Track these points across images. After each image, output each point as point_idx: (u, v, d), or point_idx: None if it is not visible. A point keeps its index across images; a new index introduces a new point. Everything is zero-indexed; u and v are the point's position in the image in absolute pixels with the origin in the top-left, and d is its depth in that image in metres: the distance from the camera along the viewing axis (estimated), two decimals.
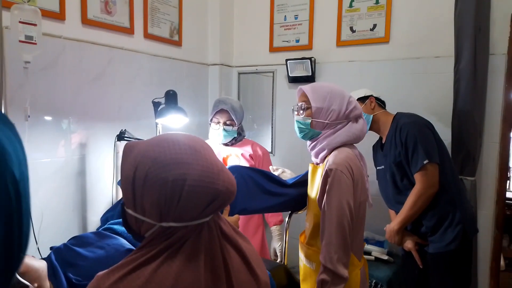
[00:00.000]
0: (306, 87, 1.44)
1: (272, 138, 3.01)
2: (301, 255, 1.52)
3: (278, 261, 2.04)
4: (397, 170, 1.91)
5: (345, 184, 1.30)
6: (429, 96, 2.38)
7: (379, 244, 2.48)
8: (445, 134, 2.21)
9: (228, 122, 2.03)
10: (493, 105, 2.18)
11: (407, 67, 2.45)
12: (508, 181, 3.96)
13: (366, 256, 2.36)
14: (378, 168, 2.10)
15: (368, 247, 2.46)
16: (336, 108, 1.39)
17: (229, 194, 0.78)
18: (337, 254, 1.27)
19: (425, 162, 1.77)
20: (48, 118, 1.90)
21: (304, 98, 1.44)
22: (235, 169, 1.56)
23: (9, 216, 0.49)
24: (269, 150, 2.96)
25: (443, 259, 1.86)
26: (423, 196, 1.82)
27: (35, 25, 1.50)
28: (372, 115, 2.02)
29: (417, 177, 1.82)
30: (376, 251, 2.41)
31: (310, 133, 1.44)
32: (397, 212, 1.99)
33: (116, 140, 2.04)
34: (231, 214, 1.46)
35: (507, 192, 2.52)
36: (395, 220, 1.94)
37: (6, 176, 0.48)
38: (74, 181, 2.02)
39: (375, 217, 2.58)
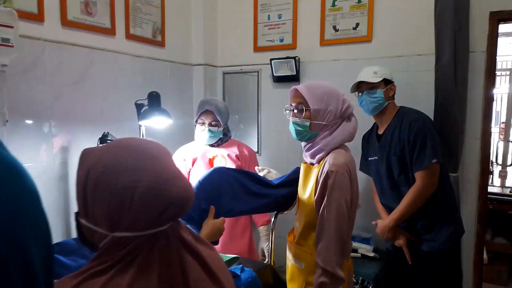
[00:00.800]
0: (302, 88, 1.41)
1: (258, 138, 3.00)
2: (289, 255, 1.52)
3: (266, 261, 2.04)
4: (396, 164, 1.89)
5: (346, 187, 1.31)
6: (411, 94, 2.40)
7: (365, 241, 2.50)
8: None
9: (213, 123, 2.02)
10: (474, 101, 2.22)
11: (390, 66, 2.45)
12: (490, 176, 4.05)
13: (352, 254, 2.40)
14: (370, 159, 2.08)
15: (354, 244, 2.48)
16: (333, 108, 1.38)
17: (184, 201, 0.74)
18: (335, 256, 1.28)
19: (433, 161, 1.77)
20: (28, 122, 1.86)
21: (299, 99, 1.41)
22: (220, 171, 1.55)
23: None
24: (256, 150, 2.96)
25: (436, 258, 1.88)
26: (423, 194, 1.82)
27: (11, 27, 1.47)
28: (386, 103, 1.99)
29: (420, 174, 1.81)
30: (363, 248, 2.43)
31: (308, 135, 1.42)
32: (389, 205, 1.99)
33: (98, 143, 2.01)
34: (216, 216, 1.46)
35: (489, 187, 2.58)
36: (391, 217, 1.93)
37: None
38: (56, 185, 1.98)
39: (360, 214, 2.59)
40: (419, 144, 1.80)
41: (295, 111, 1.43)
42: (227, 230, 2.06)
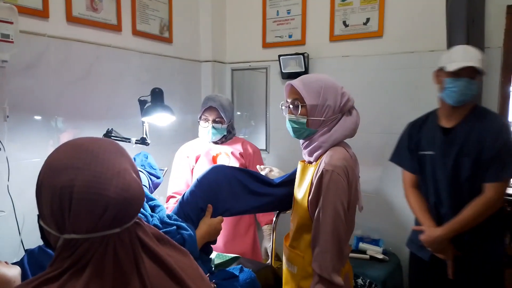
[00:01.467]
0: (296, 82, 1.34)
1: (266, 135, 2.96)
2: (284, 258, 1.47)
3: (268, 261, 2.00)
4: (469, 167, 1.66)
5: (342, 187, 1.23)
6: (424, 91, 2.32)
7: (375, 242, 2.44)
8: None
9: (217, 120, 1.99)
10: (489, 99, 2.13)
11: (401, 62, 2.40)
12: None
13: (360, 255, 2.34)
14: (422, 152, 1.81)
15: (363, 245, 2.42)
16: (331, 103, 1.30)
17: (124, 201, 0.69)
18: (332, 262, 1.21)
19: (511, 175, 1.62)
20: (33, 117, 1.86)
21: (295, 95, 1.34)
22: (219, 169, 1.51)
23: None
24: (264, 147, 2.92)
25: (485, 274, 1.71)
26: (492, 208, 1.63)
27: (11, 23, 1.47)
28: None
29: (494, 186, 1.62)
30: (372, 250, 2.37)
31: (306, 132, 1.35)
32: (439, 210, 1.76)
33: None
34: (214, 215, 1.43)
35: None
36: (448, 227, 1.67)
37: None
38: None
39: (370, 215, 2.55)
40: (504, 153, 1.60)
41: (291, 107, 1.36)
42: (230, 229, 2.03)
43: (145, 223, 0.79)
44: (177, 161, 2.10)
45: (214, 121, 1.98)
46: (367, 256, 2.33)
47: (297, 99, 1.34)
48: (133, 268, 0.70)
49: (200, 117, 2.03)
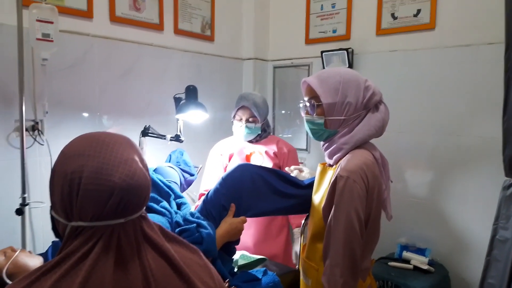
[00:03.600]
0: (312, 80, 1.23)
1: (307, 134, 2.87)
2: (300, 269, 1.37)
3: (297, 266, 1.93)
4: None
5: (358, 196, 1.10)
6: (479, 87, 2.10)
7: (420, 252, 2.25)
8: (495, 129, 1.95)
9: (250, 119, 1.95)
10: None
11: (456, 56, 2.19)
12: None
13: (403, 265, 2.17)
14: None
15: (407, 254, 2.25)
16: (352, 100, 1.18)
17: (128, 187, 0.71)
18: (343, 277, 1.09)
19: None
20: (75, 113, 1.96)
21: (312, 93, 1.24)
22: (245, 168, 1.47)
23: None
24: (304, 147, 2.84)
25: None
26: None
27: (51, 23, 1.54)
28: None
29: None
30: (416, 260, 2.19)
31: (325, 134, 1.25)
32: None
33: (140, 136, 2.06)
34: (236, 215, 1.39)
35: None
36: None
37: None
38: None
39: (417, 222, 2.37)
40: None
41: (308, 106, 1.26)
42: (261, 229, 1.99)
43: (150, 219, 0.80)
44: (210, 159, 2.10)
45: (247, 121, 1.95)
46: (411, 266, 2.15)
47: (313, 97, 1.24)
48: (135, 258, 0.71)
49: (234, 116, 2.01)
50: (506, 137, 1.80)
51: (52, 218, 0.76)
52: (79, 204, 0.69)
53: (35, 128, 1.76)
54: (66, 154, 0.72)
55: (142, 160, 0.77)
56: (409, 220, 2.39)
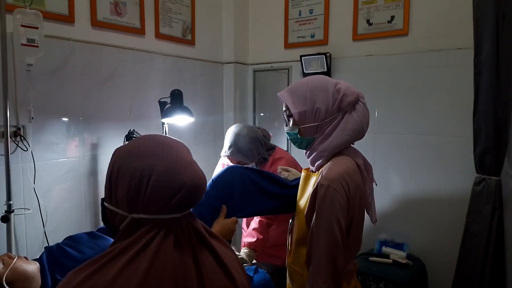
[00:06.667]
0: (283, 93, 1.27)
1: (287, 137, 2.93)
2: (287, 273, 1.40)
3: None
4: None
5: (339, 204, 1.10)
6: (451, 89, 2.24)
7: (398, 247, 2.36)
8: (466, 129, 2.08)
9: (241, 163, 1.98)
10: None
11: (428, 60, 2.32)
12: None
13: (383, 259, 2.27)
14: None
15: (386, 249, 2.36)
16: (321, 105, 1.19)
17: (195, 187, 0.79)
18: (325, 284, 1.10)
19: None
20: (58, 118, 1.93)
21: (285, 105, 1.28)
22: (234, 169, 1.51)
23: None
24: (285, 149, 2.90)
25: None
26: None
27: (36, 28, 1.53)
28: None
29: None
30: (395, 254, 2.29)
31: (304, 142, 1.26)
32: None
33: (125, 140, 2.06)
34: (228, 216, 1.42)
35: None
36: None
37: None
38: (86, 180, 2.05)
39: (395, 219, 2.48)
40: None
41: (285, 118, 1.30)
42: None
43: (196, 216, 0.87)
44: (216, 168, 2.13)
45: (239, 163, 1.98)
46: (390, 261, 2.25)
47: (287, 109, 1.28)
48: (189, 250, 0.78)
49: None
50: (476, 136, 1.93)
51: (104, 209, 0.81)
52: (146, 198, 0.75)
53: (17, 134, 1.73)
54: (133, 153, 0.79)
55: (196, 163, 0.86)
56: (387, 217, 2.50)
